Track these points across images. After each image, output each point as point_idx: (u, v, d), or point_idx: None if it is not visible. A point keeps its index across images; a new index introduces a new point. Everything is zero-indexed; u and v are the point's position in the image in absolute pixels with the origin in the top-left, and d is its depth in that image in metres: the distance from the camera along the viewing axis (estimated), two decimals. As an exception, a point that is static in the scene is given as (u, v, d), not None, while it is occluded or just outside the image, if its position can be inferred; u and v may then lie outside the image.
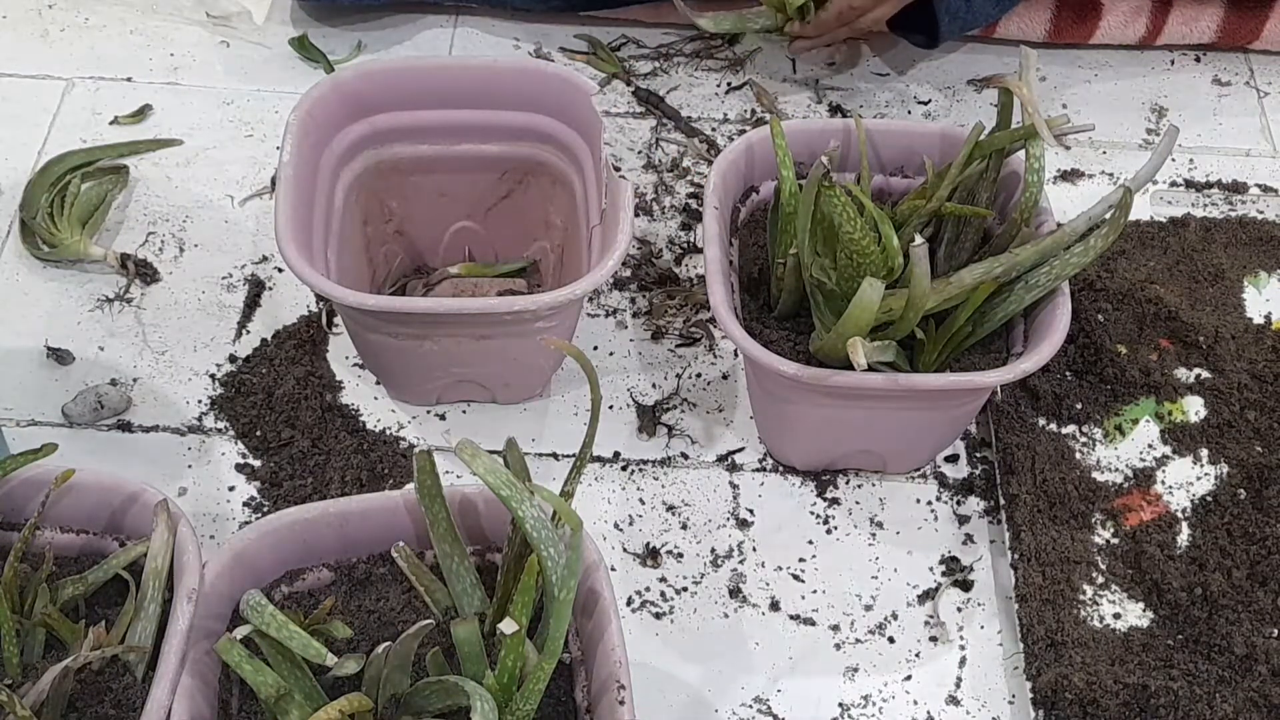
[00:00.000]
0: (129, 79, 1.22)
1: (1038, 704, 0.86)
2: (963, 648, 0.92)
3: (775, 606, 0.93)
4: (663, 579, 0.94)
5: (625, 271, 1.09)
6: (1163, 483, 0.98)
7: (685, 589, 0.93)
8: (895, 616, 0.93)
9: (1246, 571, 0.93)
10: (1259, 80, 1.27)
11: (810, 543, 0.96)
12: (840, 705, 0.89)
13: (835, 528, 0.97)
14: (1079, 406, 1.01)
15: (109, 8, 1.28)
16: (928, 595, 0.94)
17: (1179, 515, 0.96)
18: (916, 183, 0.99)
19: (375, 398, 1.01)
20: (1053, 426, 1.00)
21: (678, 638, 0.91)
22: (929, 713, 0.89)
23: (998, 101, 0.93)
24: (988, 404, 1.01)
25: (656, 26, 1.28)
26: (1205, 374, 1.03)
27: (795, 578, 0.94)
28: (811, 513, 0.98)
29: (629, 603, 0.92)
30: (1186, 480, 0.98)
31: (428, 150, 1.02)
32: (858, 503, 0.98)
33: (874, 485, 0.99)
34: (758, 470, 0.99)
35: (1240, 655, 0.88)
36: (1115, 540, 0.95)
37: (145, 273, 1.07)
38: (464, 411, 1.01)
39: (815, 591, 0.94)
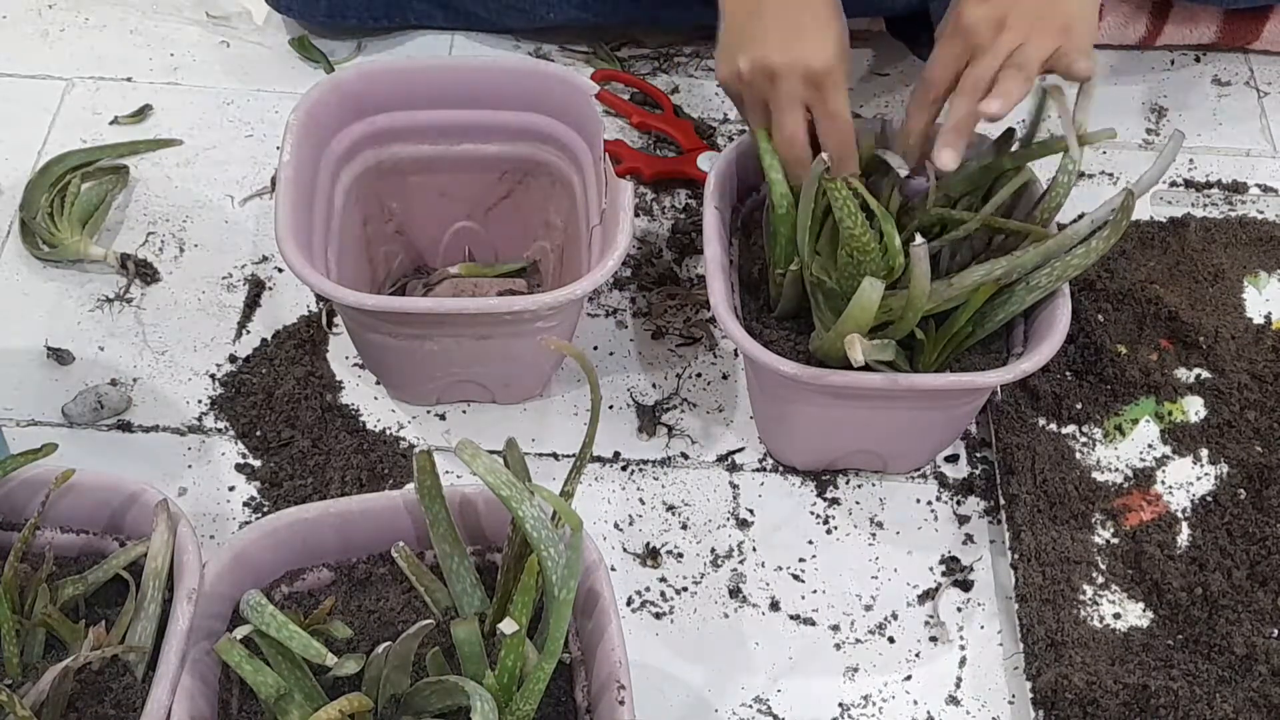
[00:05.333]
0: (129, 79, 1.22)
1: (1038, 704, 0.86)
2: (963, 648, 0.92)
3: (775, 606, 0.93)
4: (663, 579, 0.94)
5: (625, 271, 1.09)
6: (1163, 483, 0.98)
7: (685, 589, 0.93)
8: (895, 616, 0.93)
9: (1246, 571, 0.93)
10: (1259, 80, 1.27)
11: (810, 543, 0.96)
12: (840, 705, 0.89)
13: (835, 528, 0.97)
14: (1079, 406, 1.01)
15: (109, 8, 1.28)
16: (928, 595, 0.94)
17: (1179, 515, 0.96)
18: (922, 183, 0.98)
19: (375, 398, 1.01)
20: (1053, 426, 1.00)
21: (678, 638, 0.91)
22: (929, 713, 0.89)
23: (1034, 100, 0.93)
24: (988, 404, 1.01)
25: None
26: (1205, 374, 1.03)
27: (795, 578, 0.94)
28: (811, 513, 0.97)
29: (629, 603, 0.92)
30: (1186, 480, 0.98)
31: (428, 150, 1.02)
32: (858, 503, 0.98)
33: (874, 485, 0.99)
34: (758, 470, 0.99)
35: (1240, 655, 0.88)
36: (1115, 540, 0.95)
37: (145, 273, 1.07)
38: (464, 411, 1.01)
39: (815, 591, 0.94)
